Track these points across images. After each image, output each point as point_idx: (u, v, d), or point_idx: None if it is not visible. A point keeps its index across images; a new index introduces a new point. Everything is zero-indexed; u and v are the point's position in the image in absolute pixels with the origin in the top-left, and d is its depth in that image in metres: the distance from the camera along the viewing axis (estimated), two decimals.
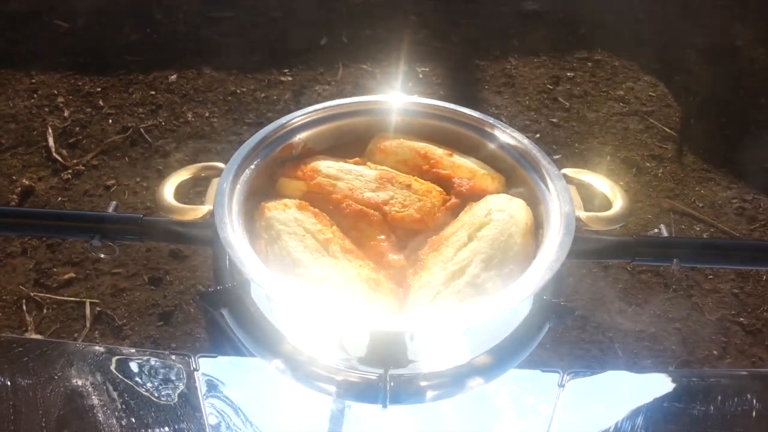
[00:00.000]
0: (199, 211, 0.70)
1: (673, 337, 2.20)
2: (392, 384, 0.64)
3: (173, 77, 3.02)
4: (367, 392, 0.65)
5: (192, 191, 2.16)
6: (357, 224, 0.73)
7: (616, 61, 3.15)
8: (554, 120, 2.86)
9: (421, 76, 3.02)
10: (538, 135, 2.78)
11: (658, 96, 3.01)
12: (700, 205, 2.57)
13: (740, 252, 0.79)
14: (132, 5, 3.33)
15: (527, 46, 3.19)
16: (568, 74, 3.08)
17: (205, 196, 0.71)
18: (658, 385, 1.20)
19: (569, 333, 2.18)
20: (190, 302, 2.23)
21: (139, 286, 2.28)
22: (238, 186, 0.71)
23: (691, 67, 3.13)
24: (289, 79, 3.01)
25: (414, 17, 3.29)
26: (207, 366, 1.06)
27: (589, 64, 3.14)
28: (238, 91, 2.96)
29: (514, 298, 0.59)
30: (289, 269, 0.66)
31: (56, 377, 1.08)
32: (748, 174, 2.68)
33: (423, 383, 0.66)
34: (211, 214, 0.68)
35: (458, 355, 0.66)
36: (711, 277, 2.35)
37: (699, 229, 2.49)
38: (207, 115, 2.86)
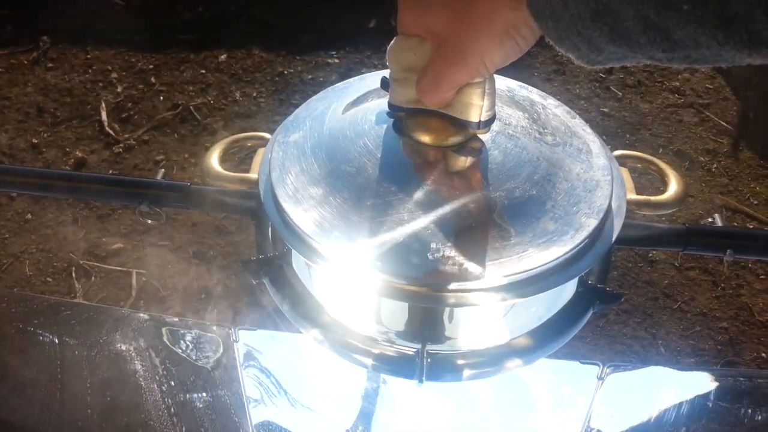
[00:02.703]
0: (244, 179, 0.71)
1: (719, 337, 2.14)
2: (429, 360, 0.63)
3: (223, 57, 3.06)
4: (404, 367, 0.65)
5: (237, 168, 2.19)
6: None
7: None
8: (605, 110, 2.80)
9: None
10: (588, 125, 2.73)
11: (715, 88, 2.91)
12: (755, 202, 2.48)
13: None
14: None
15: None
16: None
17: (251, 165, 0.72)
18: (702, 382, 1.17)
19: (610, 327, 2.14)
20: (232, 277, 2.27)
21: (184, 259, 2.33)
22: None
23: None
24: (336, 61, 3.01)
25: None
26: (246, 338, 1.08)
27: None
28: (286, 72, 2.98)
29: (559, 279, 0.58)
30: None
31: (101, 341, 1.11)
32: None
33: (460, 361, 0.65)
34: (256, 182, 0.68)
35: (498, 335, 0.65)
36: (763, 276, 2.27)
37: (752, 227, 2.40)
38: (255, 95, 2.89)
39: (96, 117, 2.81)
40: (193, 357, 1.13)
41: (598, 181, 0.63)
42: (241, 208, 0.77)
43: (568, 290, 0.67)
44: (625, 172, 0.72)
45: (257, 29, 3.17)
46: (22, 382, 1.06)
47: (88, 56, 3.07)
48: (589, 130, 0.72)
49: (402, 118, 0.63)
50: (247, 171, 0.73)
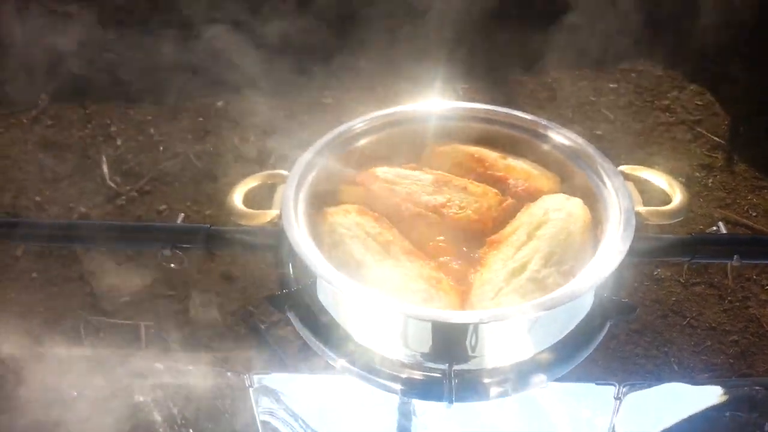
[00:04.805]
0: (267, 215, 0.73)
1: (730, 350, 2.14)
2: (456, 381, 0.65)
3: (220, 103, 3.11)
4: (432, 390, 0.66)
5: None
6: (416, 226, 0.75)
7: (659, 71, 3.12)
8: (599, 132, 2.84)
9: (461, 92, 3.04)
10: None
11: (704, 105, 2.97)
12: (754, 213, 2.50)
13: None
14: (177, 35, 3.44)
15: (568, 59, 3.18)
16: (611, 86, 3.06)
17: (272, 202, 0.74)
18: (718, 395, 1.18)
19: (623, 348, 2.14)
20: (241, 323, 2.27)
21: (191, 308, 2.33)
22: (302, 192, 0.74)
23: (738, 75, 3.07)
24: (330, 101, 3.07)
25: (452, 35, 3.31)
26: (261, 382, 1.09)
27: (633, 74, 3.11)
28: (282, 114, 3.02)
29: (578, 290, 0.60)
30: (353, 271, 0.68)
31: (118, 393, 1.12)
32: None
33: (487, 380, 0.66)
34: (279, 218, 0.70)
35: (521, 352, 0.67)
36: None
37: (756, 233, 2.42)
38: (253, 139, 2.93)
39: (97, 171, 2.84)
40: (210, 405, 1.14)
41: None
42: (261, 245, 0.79)
43: (585, 304, 0.69)
44: (630, 186, 0.74)
45: (252, 75, 3.22)
46: None
47: (87, 111, 3.12)
48: None
49: None
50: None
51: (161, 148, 2.92)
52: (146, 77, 3.25)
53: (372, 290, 0.62)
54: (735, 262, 0.76)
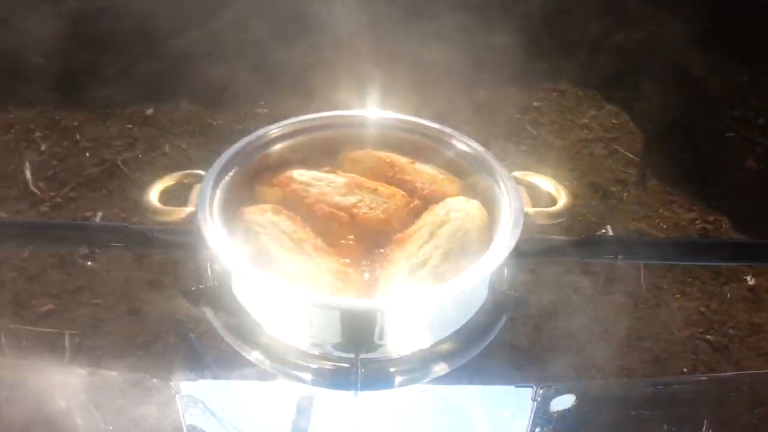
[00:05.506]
0: (182, 212, 0.76)
1: (645, 356, 2.26)
2: (363, 370, 0.69)
3: (150, 111, 3.07)
4: (340, 379, 0.70)
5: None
6: (328, 225, 0.80)
7: (580, 92, 3.29)
8: (523, 148, 2.96)
9: (391, 110, 3.10)
10: (507, 162, 2.88)
11: (620, 123, 3.14)
12: (665, 226, 2.66)
13: (677, 248, 0.86)
14: (108, 42, 3.39)
15: (495, 77, 3.30)
16: (535, 104, 3.20)
17: (188, 200, 0.77)
18: (628, 394, 1.27)
19: (544, 354, 2.23)
20: (168, 331, 2.24)
21: (117, 317, 2.28)
22: (218, 191, 0.77)
23: (651, 96, 3.26)
24: (265, 111, 3.08)
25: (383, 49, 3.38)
26: (187, 389, 1.10)
27: (555, 94, 3.27)
28: (215, 123, 3.01)
29: (468, 281, 0.65)
30: (266, 266, 0.72)
31: (40, 398, 1.11)
32: (708, 196, 2.80)
33: (392, 369, 0.71)
34: (194, 215, 0.73)
35: (423, 340, 0.72)
36: (678, 296, 2.43)
37: (638, 234, 2.58)
38: (184, 147, 2.91)
39: (20, 177, 2.76)
40: (135, 411, 1.13)
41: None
42: (178, 243, 0.82)
43: (479, 296, 0.75)
44: (522, 190, 0.81)
45: (184, 83, 3.20)
46: None
47: (10, 116, 3.03)
48: None
49: None
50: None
51: (88, 154, 2.86)
52: (73, 82, 3.18)
53: (283, 282, 0.65)
54: (619, 261, 0.83)
